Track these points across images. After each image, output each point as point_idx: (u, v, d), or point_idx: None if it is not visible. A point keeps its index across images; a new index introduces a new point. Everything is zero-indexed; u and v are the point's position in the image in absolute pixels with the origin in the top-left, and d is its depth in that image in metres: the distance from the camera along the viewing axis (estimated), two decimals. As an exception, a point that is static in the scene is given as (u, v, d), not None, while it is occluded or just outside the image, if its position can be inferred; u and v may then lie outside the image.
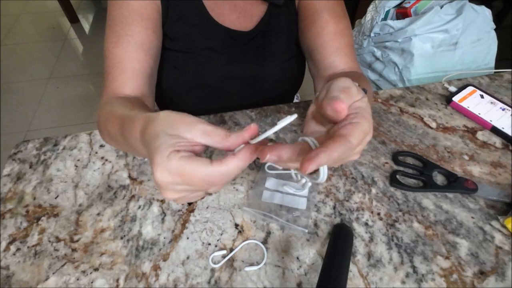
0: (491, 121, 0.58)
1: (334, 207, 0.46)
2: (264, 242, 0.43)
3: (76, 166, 0.52)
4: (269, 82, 0.63)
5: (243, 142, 0.28)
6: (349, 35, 0.57)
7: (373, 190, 0.48)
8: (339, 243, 0.40)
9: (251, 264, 0.41)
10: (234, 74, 0.61)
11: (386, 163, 0.52)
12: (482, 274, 0.40)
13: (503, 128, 0.56)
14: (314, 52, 0.57)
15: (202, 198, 0.43)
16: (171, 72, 0.59)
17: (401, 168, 0.51)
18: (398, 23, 1.03)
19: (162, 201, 0.47)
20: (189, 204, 0.47)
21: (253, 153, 0.27)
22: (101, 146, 0.54)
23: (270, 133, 0.27)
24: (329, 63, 0.56)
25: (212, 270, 0.40)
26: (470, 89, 0.64)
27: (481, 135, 0.57)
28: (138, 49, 0.49)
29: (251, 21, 0.59)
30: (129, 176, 0.50)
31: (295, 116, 0.27)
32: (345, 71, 0.54)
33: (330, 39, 0.55)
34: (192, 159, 0.26)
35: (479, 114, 0.59)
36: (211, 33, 0.57)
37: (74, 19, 2.35)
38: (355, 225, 0.45)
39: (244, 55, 0.60)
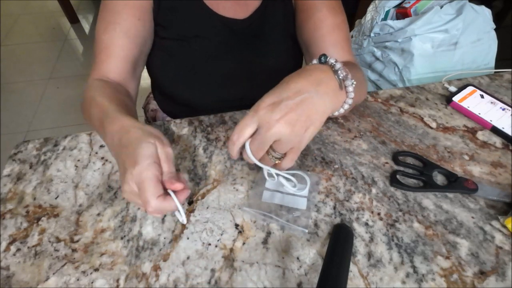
0: (491, 121, 0.58)
1: (334, 207, 0.46)
2: (264, 242, 0.43)
3: (76, 167, 0.52)
4: (263, 72, 0.63)
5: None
6: (346, 29, 0.57)
7: (373, 190, 0.48)
8: (339, 243, 0.40)
9: (251, 264, 0.41)
10: (227, 62, 0.61)
11: (386, 163, 0.52)
12: (482, 274, 0.40)
13: (503, 128, 0.56)
14: (311, 46, 0.57)
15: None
16: (165, 60, 0.59)
17: (401, 168, 0.51)
18: (398, 23, 1.03)
19: (162, 201, 0.47)
20: (189, 204, 0.47)
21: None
22: (101, 146, 0.54)
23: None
24: None
25: (213, 270, 0.40)
26: (470, 89, 0.64)
27: (481, 135, 0.57)
28: (123, 36, 0.52)
29: (246, 10, 0.59)
30: (129, 176, 0.50)
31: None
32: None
33: (327, 33, 0.55)
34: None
35: (479, 114, 0.59)
36: (204, 20, 0.57)
37: (74, 20, 2.35)
38: (355, 225, 0.45)
39: (238, 43, 0.60)
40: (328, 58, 0.38)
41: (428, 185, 0.48)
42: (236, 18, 0.58)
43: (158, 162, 0.35)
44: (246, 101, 0.63)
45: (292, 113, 0.33)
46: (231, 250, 0.42)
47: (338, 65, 0.38)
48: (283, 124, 0.33)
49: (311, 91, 0.35)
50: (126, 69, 0.54)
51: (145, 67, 0.63)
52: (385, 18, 1.12)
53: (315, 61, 0.40)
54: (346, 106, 0.40)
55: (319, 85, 0.36)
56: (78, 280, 0.40)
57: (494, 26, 1.00)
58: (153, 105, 0.77)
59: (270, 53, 0.62)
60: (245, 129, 0.35)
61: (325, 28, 0.55)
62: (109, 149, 0.42)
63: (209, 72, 0.61)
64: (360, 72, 0.54)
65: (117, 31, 0.52)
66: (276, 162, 0.36)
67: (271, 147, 0.37)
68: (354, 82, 0.39)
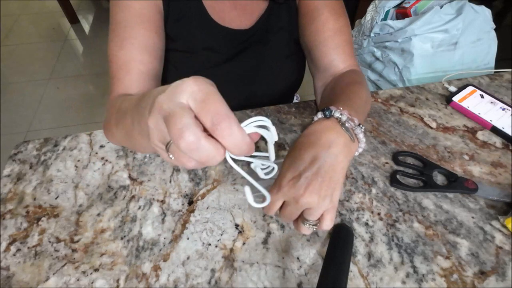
0: (491, 121, 0.58)
1: (334, 207, 0.46)
2: (264, 242, 0.43)
3: (76, 167, 0.52)
4: (268, 79, 0.63)
5: None
6: (348, 32, 0.57)
7: (373, 190, 0.48)
8: (339, 243, 0.40)
9: (251, 264, 0.41)
10: (233, 72, 0.61)
11: (386, 163, 0.52)
12: (482, 274, 0.40)
13: (503, 128, 0.56)
14: (313, 49, 0.57)
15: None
16: (172, 73, 0.59)
17: (401, 168, 0.51)
18: (398, 23, 1.03)
19: (162, 202, 0.47)
20: (189, 204, 0.47)
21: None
22: (101, 146, 0.54)
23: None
24: (329, 61, 0.56)
25: (213, 270, 0.40)
26: (470, 89, 0.64)
27: (481, 135, 0.57)
28: (142, 51, 0.49)
29: (250, 19, 0.59)
30: (129, 177, 0.50)
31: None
32: (343, 72, 0.55)
33: (329, 36, 0.55)
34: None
35: (479, 114, 0.59)
36: (210, 33, 0.57)
37: (74, 20, 2.35)
38: (355, 225, 0.45)
39: (243, 53, 0.60)
40: (333, 112, 0.38)
41: (428, 185, 0.48)
42: (241, 28, 0.58)
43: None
44: (249, 106, 0.63)
45: (314, 183, 0.35)
46: (231, 250, 0.42)
47: (344, 117, 0.38)
48: (308, 195, 0.34)
49: (325, 155, 0.36)
50: (149, 85, 0.50)
51: None
52: (385, 18, 1.12)
53: (320, 115, 0.39)
54: (360, 150, 0.40)
55: (331, 147, 0.36)
56: (78, 280, 0.40)
57: (494, 26, 1.00)
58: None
59: (275, 59, 0.62)
60: (274, 206, 0.37)
61: (327, 31, 0.55)
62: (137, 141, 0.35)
63: (213, 80, 0.61)
64: (364, 84, 0.53)
65: (135, 46, 0.48)
66: (314, 229, 0.37)
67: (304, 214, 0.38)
68: (363, 127, 0.39)
